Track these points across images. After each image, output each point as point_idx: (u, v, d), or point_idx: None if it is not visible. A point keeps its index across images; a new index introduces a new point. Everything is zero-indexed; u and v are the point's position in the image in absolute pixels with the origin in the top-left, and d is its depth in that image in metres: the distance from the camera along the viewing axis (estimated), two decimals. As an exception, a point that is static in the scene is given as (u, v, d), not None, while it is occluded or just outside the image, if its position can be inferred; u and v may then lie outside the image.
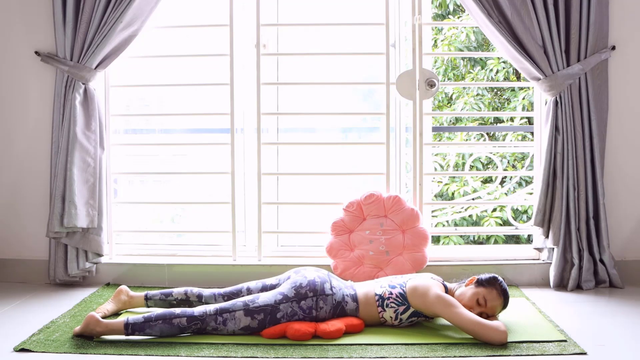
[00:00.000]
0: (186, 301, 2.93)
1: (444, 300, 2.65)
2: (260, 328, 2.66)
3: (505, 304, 2.74)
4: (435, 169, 6.14)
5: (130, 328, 2.60)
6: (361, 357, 2.42)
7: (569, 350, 2.47)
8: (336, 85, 4.05)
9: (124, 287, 3.00)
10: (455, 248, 4.73)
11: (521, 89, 6.68)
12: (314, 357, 2.43)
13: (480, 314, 2.68)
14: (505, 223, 5.87)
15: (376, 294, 2.78)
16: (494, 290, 2.71)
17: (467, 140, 6.35)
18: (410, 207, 3.47)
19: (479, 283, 2.74)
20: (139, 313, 2.89)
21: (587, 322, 2.85)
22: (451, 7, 6.99)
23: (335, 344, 2.55)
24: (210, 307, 2.67)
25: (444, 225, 5.98)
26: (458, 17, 6.97)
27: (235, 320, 2.65)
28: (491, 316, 2.70)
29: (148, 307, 2.96)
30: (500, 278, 2.76)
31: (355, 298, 2.79)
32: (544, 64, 3.33)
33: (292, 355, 2.45)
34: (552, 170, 3.41)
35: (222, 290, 2.93)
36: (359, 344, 2.55)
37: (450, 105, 6.99)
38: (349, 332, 2.66)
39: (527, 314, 2.94)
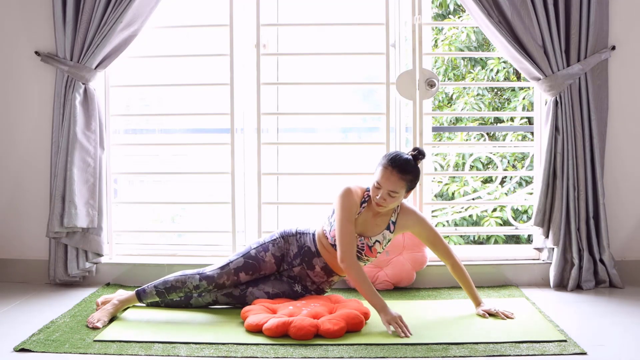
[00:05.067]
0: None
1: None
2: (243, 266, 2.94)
3: (400, 174, 2.80)
4: (435, 169, 6.14)
5: (140, 292, 2.90)
6: (362, 357, 2.42)
7: (569, 350, 2.47)
8: (336, 85, 4.05)
9: (105, 297, 2.99)
10: (455, 248, 4.72)
11: (521, 89, 6.67)
12: (315, 357, 2.43)
13: (379, 205, 2.83)
14: (505, 223, 5.87)
15: (324, 230, 2.97)
16: (380, 167, 2.84)
17: (467, 140, 6.34)
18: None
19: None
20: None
21: (587, 322, 2.85)
22: (451, 7, 6.99)
23: (335, 344, 2.54)
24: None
25: (444, 225, 5.98)
26: (458, 17, 6.97)
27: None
28: (382, 203, 2.82)
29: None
30: (395, 151, 2.91)
31: (313, 239, 3.00)
32: (544, 64, 3.33)
33: (292, 355, 2.45)
34: (552, 170, 3.41)
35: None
36: (360, 343, 2.55)
37: (451, 105, 6.99)
38: (350, 330, 2.66)
39: (527, 314, 2.94)
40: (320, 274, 3.00)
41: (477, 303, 2.95)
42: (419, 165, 2.88)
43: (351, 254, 2.80)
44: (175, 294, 2.90)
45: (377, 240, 2.91)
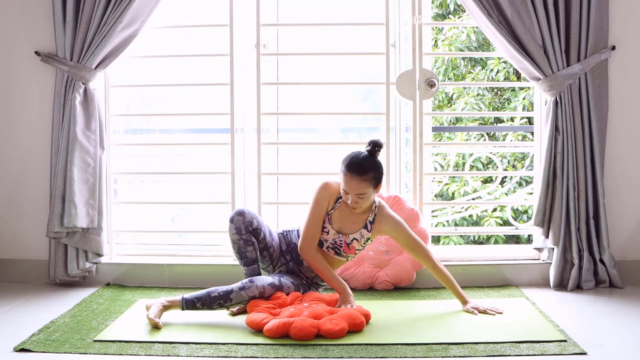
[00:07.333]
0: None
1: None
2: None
3: (360, 177, 2.80)
4: (435, 169, 6.14)
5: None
6: (362, 357, 2.42)
7: (569, 350, 2.47)
8: (336, 85, 4.05)
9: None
10: (455, 248, 4.73)
11: (521, 89, 6.68)
12: (315, 357, 2.43)
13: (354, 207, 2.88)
14: (506, 223, 5.87)
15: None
16: (341, 174, 2.85)
17: (467, 140, 6.35)
18: (410, 207, 3.47)
19: None
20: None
21: (587, 322, 2.85)
22: (452, 7, 6.99)
23: (335, 344, 2.54)
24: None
25: (444, 225, 5.98)
26: (458, 17, 6.97)
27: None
28: (357, 205, 2.87)
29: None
30: (351, 154, 2.88)
31: (298, 235, 3.07)
32: (544, 64, 3.33)
33: (292, 355, 2.45)
34: (552, 170, 3.41)
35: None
36: (360, 344, 2.55)
37: (451, 105, 6.99)
38: (351, 331, 2.67)
39: (527, 314, 2.94)
40: (309, 269, 3.07)
41: (464, 302, 2.98)
42: (378, 158, 2.88)
43: (311, 244, 2.95)
44: None
45: (354, 238, 2.99)
